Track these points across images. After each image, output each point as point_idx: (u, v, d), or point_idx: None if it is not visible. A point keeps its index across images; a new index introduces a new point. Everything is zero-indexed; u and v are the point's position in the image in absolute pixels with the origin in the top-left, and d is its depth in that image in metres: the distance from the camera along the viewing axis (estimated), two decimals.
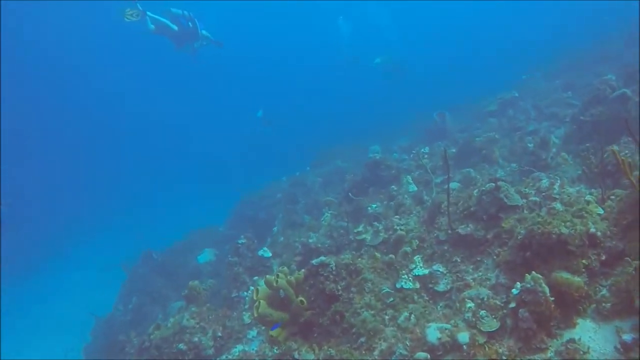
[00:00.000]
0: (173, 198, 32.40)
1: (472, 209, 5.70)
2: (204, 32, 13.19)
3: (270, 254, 8.82)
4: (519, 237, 4.70)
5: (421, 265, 5.47)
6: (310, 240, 8.84)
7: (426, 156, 10.27)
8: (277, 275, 5.31)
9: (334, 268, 5.26)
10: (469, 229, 5.51)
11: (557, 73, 15.72)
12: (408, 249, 5.83)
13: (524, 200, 5.50)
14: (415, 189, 8.84)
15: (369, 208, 8.07)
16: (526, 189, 5.70)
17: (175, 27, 12.46)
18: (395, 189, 8.86)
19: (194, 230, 17.89)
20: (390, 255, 5.66)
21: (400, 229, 6.29)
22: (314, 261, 5.33)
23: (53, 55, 31.89)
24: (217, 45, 13.69)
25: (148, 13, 12.00)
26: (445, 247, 5.69)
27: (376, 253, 5.87)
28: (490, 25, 38.08)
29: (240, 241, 8.99)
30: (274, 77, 41.18)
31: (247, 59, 42.09)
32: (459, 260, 5.42)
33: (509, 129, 11.41)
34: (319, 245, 8.77)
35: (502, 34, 35.23)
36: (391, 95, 26.60)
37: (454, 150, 10.63)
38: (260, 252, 8.77)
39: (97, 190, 34.97)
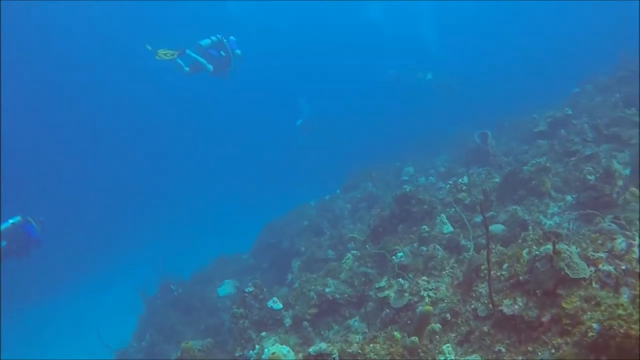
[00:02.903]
0: (205, 213, 31.61)
1: (521, 277, 4.33)
2: (237, 51, 12.79)
3: (281, 306, 7.59)
4: (591, 333, 3.33)
5: (452, 357, 4.14)
6: (327, 290, 7.60)
7: (464, 188, 8.86)
8: None
9: None
10: (517, 307, 4.15)
11: (613, 85, 13.93)
12: (436, 326, 4.51)
13: (592, 269, 4.10)
14: (451, 230, 7.47)
15: (394, 258, 6.74)
16: (594, 253, 4.30)
17: (210, 68, 12.13)
18: (427, 229, 7.51)
19: (218, 257, 16.97)
20: (413, 338, 4.34)
21: (428, 297, 4.97)
22: (311, 349, 4.11)
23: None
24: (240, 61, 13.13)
25: (187, 51, 11.81)
26: (485, 329, 4.34)
27: (395, 332, 4.56)
28: (533, 28, 36.05)
29: (247, 289, 7.82)
30: (314, 85, 40.18)
31: (287, 65, 41.42)
32: (503, 350, 4.05)
33: (561, 153, 9.83)
34: (337, 296, 7.54)
35: (546, 37, 33.30)
36: (428, 107, 25.23)
37: (497, 180, 9.20)
38: (270, 304, 7.56)
39: (127, 207, 34.61)
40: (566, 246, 4.15)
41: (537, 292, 4.12)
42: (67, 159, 34.54)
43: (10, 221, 11.23)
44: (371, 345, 4.32)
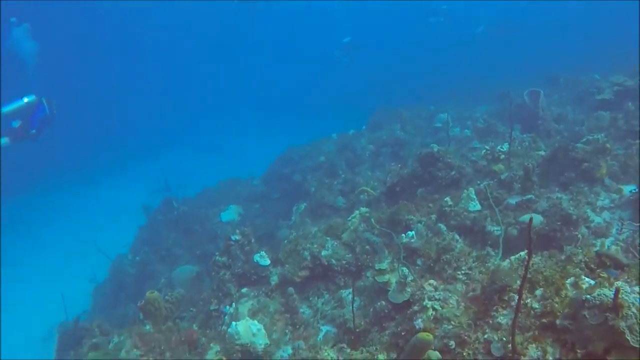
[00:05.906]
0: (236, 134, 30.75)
1: (558, 321, 3.23)
2: None
3: (269, 262, 6.69)
4: None
5: None
6: (324, 253, 6.61)
7: (502, 157, 7.58)
8: None
9: None
10: None
11: None
12: (434, 355, 3.50)
13: None
14: (479, 208, 6.30)
15: (403, 236, 5.67)
16: None
17: None
18: (450, 203, 6.37)
19: (229, 179, 16.17)
20: None
21: (433, 309, 3.92)
22: None
23: None
24: None
25: None
26: None
27: (380, 355, 3.56)
28: None
29: (233, 237, 6.89)
30: (360, 18, 38.01)
31: None
32: None
33: (625, 131, 8.36)
34: (334, 262, 6.55)
35: None
36: (476, 53, 23.37)
37: (542, 153, 7.86)
38: (256, 258, 6.66)
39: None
40: (632, 295, 2.99)
41: (578, 350, 3.03)
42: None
43: (25, 99, 10.86)
44: None
